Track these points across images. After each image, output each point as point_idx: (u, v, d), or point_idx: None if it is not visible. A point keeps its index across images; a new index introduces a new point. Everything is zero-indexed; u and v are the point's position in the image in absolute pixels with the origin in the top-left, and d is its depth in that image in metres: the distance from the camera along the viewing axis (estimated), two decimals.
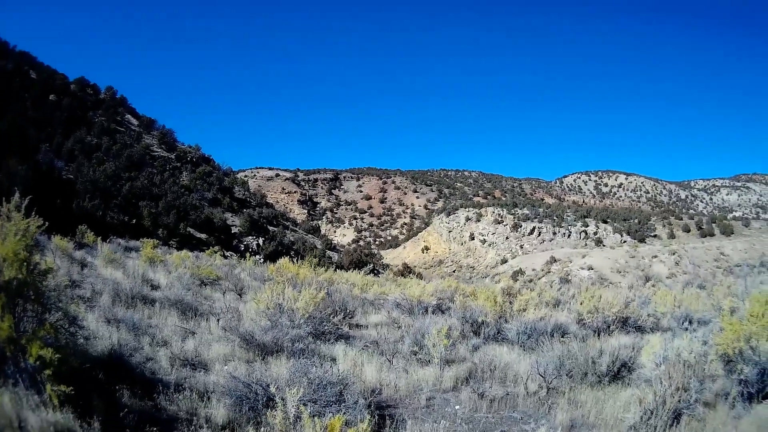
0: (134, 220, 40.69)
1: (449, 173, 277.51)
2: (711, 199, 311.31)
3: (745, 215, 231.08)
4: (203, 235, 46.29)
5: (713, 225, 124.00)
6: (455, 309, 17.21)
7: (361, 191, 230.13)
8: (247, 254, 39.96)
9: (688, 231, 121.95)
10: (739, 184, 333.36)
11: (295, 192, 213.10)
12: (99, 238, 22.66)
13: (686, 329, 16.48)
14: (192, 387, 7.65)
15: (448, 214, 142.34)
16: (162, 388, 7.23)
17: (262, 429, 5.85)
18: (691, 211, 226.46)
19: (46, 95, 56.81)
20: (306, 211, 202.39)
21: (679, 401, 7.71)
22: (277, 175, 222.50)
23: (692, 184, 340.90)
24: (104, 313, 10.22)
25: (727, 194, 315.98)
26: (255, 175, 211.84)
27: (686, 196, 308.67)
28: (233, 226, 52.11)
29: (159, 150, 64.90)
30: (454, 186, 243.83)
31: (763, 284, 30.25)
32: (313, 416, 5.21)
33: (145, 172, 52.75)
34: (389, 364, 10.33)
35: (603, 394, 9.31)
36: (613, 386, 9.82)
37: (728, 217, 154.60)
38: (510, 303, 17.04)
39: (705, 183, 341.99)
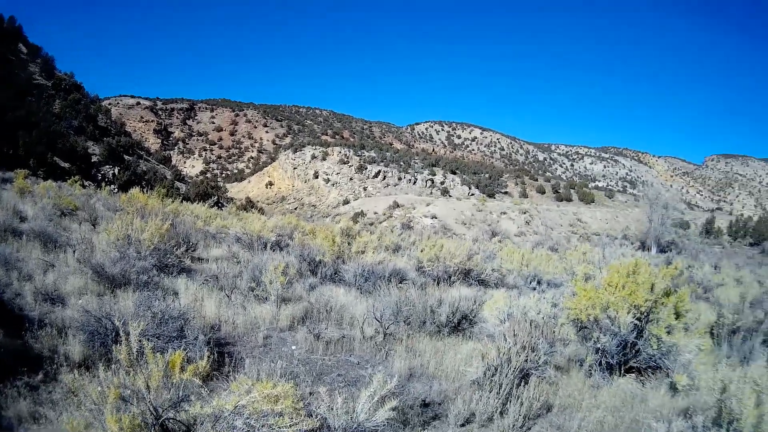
0: (11, 151, 39.41)
1: (300, 110, 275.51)
2: (572, 165, 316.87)
3: (610, 186, 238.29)
4: (67, 164, 44.98)
5: (571, 190, 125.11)
6: (294, 246, 17.32)
7: (214, 123, 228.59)
8: (103, 184, 38.97)
9: (543, 193, 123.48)
10: (606, 155, 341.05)
11: (152, 121, 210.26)
12: None
13: (534, 289, 16.83)
14: (52, 323, 7.55)
15: (295, 151, 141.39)
16: (28, 325, 7.20)
17: (113, 366, 5.71)
18: (548, 173, 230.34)
19: None
20: (160, 141, 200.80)
21: (526, 361, 7.76)
22: (138, 103, 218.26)
23: (553, 147, 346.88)
24: None
25: (591, 163, 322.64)
26: (118, 103, 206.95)
27: (545, 159, 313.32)
28: (93, 155, 50.71)
29: (40, 78, 62.22)
30: (304, 123, 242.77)
31: (624, 256, 30.95)
32: (156, 352, 5.08)
33: (27, 101, 50.91)
34: (228, 299, 10.29)
35: (443, 345, 9.37)
36: (453, 338, 9.92)
37: (589, 186, 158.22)
38: (349, 244, 16.99)
39: (567, 149, 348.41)
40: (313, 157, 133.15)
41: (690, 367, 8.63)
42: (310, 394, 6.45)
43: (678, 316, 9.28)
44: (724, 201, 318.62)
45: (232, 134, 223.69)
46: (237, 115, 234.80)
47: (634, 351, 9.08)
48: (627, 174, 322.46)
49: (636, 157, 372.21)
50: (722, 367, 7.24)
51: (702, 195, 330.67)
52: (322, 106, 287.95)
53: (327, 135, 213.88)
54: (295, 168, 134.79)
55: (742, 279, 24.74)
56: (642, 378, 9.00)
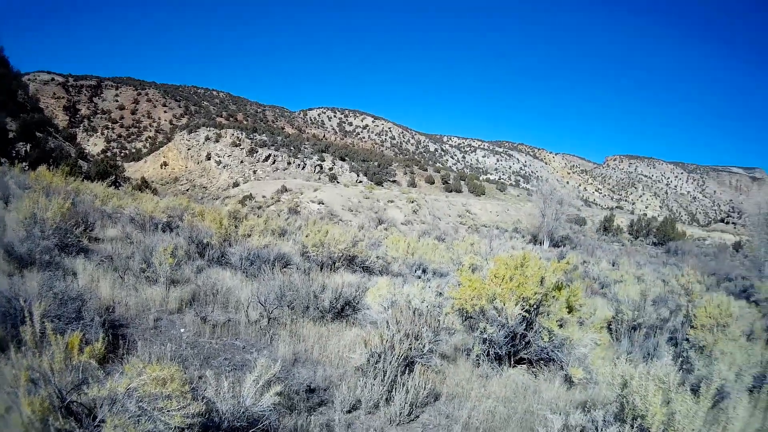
0: None
1: (199, 91, 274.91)
2: (464, 157, 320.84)
3: (503, 180, 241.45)
4: None
5: (462, 182, 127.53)
6: (184, 228, 17.00)
7: (117, 101, 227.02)
8: (16, 161, 38.25)
9: (432, 183, 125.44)
10: (500, 149, 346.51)
11: (63, 98, 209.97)
12: None
13: (419, 277, 16.90)
14: None
15: (190, 132, 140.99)
16: None
17: (23, 348, 5.57)
18: (438, 164, 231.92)
19: None
20: (68, 118, 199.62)
21: (410, 349, 7.73)
22: (53, 79, 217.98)
23: (445, 139, 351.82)
24: None
25: (484, 156, 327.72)
26: (35, 79, 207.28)
27: (436, 150, 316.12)
28: (10, 131, 49.66)
29: None
30: (201, 104, 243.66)
31: (514, 249, 31.06)
32: (57, 333, 4.96)
33: None
34: (122, 281, 10.01)
35: (327, 330, 9.37)
36: (337, 324, 9.90)
37: (480, 178, 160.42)
38: (236, 227, 16.99)
39: (460, 141, 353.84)
40: (207, 138, 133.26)
41: (586, 361, 8.74)
42: (199, 378, 6.36)
43: (571, 310, 9.44)
44: (626, 200, 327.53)
45: (133, 113, 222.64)
46: (139, 94, 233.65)
47: (524, 342, 9.18)
48: (521, 169, 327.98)
49: (531, 153, 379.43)
50: (622, 362, 7.17)
51: (601, 193, 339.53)
52: (219, 88, 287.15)
53: (222, 117, 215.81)
54: (189, 149, 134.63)
55: (643, 277, 25.23)
56: (534, 370, 9.10)
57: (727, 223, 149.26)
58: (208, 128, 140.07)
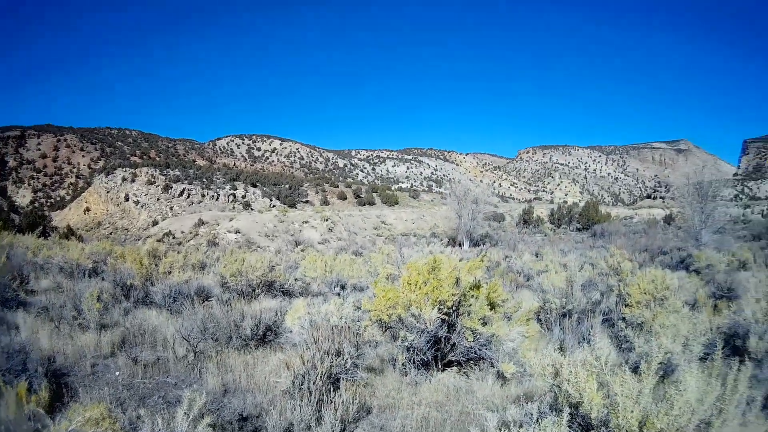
0: None
1: (113, 131, 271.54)
2: (374, 169, 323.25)
3: (415, 187, 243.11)
4: None
5: (374, 194, 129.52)
6: (108, 272, 16.97)
7: (40, 149, 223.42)
8: None
9: (345, 198, 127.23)
10: (409, 157, 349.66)
11: None
12: None
13: (339, 295, 16.74)
14: None
15: (107, 174, 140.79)
16: None
17: None
18: (349, 179, 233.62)
19: None
20: None
21: (332, 366, 7.71)
22: None
23: (353, 153, 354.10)
24: None
25: (394, 166, 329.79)
26: None
27: (345, 165, 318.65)
28: None
29: None
30: (116, 145, 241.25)
31: (432, 254, 31.16)
32: (6, 385, 5.02)
33: None
34: (58, 330, 10.05)
35: (252, 358, 9.39)
36: (262, 350, 9.91)
37: (392, 188, 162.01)
38: (156, 266, 16.69)
39: (368, 153, 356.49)
40: (124, 179, 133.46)
41: (517, 355, 8.70)
42: (138, 417, 6.40)
43: (493, 306, 9.45)
44: (543, 191, 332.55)
45: (54, 160, 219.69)
46: (59, 141, 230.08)
47: (449, 345, 9.15)
48: (432, 173, 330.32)
49: (442, 156, 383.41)
50: (550, 351, 6.88)
51: (517, 187, 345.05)
52: (131, 126, 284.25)
53: (136, 156, 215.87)
54: (108, 192, 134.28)
55: (568, 263, 25.39)
56: (465, 371, 9.08)
57: (655, 198, 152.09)
58: (124, 169, 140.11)
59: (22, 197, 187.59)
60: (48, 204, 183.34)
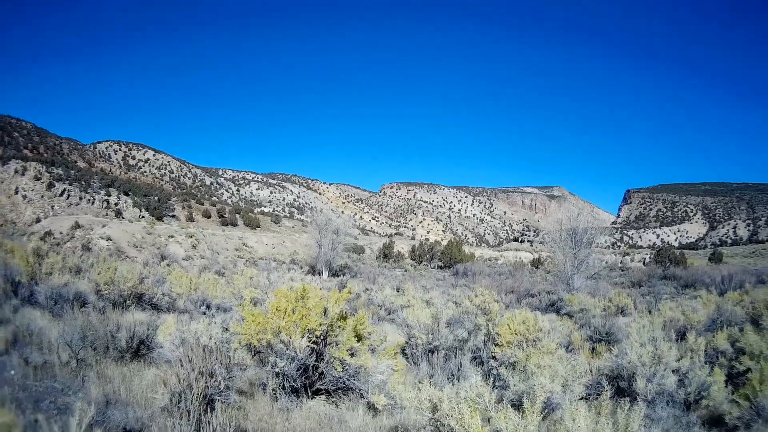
0: None
1: (12, 121, 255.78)
2: (238, 190, 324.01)
3: (277, 212, 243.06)
4: None
5: (237, 215, 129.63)
6: None
7: None
8: None
9: (209, 217, 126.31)
10: (274, 181, 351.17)
11: None
12: None
13: (204, 313, 17.02)
14: None
15: (3, 164, 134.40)
16: None
17: None
18: (214, 198, 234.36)
19: None
20: None
21: (207, 386, 7.71)
22: None
23: (220, 172, 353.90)
24: None
25: (258, 189, 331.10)
26: None
27: (212, 183, 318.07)
28: None
29: None
30: (12, 135, 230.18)
31: (293, 281, 31.05)
32: None
33: None
34: None
35: (128, 370, 9.31)
36: (136, 363, 9.91)
37: (255, 211, 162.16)
38: (39, 265, 16.42)
39: (234, 173, 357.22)
40: (16, 171, 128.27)
41: (386, 387, 8.89)
42: (35, 421, 6.36)
43: (360, 338, 9.56)
44: (405, 227, 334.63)
45: None
46: None
47: (317, 374, 9.23)
48: (295, 200, 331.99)
49: (305, 184, 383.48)
50: (426, 386, 7.20)
51: (378, 221, 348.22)
52: (26, 119, 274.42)
53: (28, 149, 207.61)
54: (2, 182, 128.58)
55: (432, 300, 25.63)
56: (334, 399, 9.16)
57: (522, 241, 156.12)
58: (17, 161, 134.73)
59: None
60: None
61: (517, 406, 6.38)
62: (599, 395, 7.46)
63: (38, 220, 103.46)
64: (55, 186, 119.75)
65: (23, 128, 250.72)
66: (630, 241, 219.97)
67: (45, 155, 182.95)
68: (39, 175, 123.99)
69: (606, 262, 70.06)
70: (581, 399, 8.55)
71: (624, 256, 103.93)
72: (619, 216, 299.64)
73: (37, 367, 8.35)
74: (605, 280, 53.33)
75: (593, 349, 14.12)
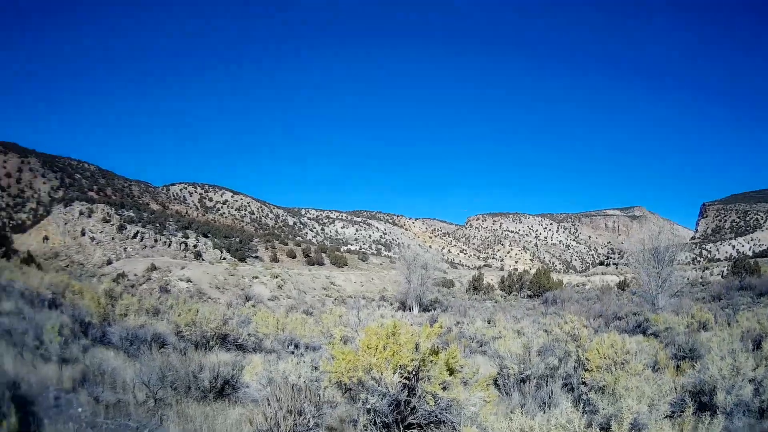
0: None
1: (72, 162, 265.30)
2: (323, 229, 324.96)
3: (364, 250, 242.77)
4: None
5: (323, 254, 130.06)
6: (66, 306, 16.84)
7: (5, 168, 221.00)
8: None
9: (294, 257, 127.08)
10: (359, 219, 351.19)
11: None
12: None
13: (292, 353, 16.93)
14: None
15: (66, 206, 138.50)
16: None
17: None
18: (298, 238, 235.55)
19: None
20: None
21: (295, 424, 7.71)
22: None
23: (303, 212, 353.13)
24: None
25: (343, 227, 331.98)
26: None
27: (295, 223, 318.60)
28: None
29: None
30: (74, 177, 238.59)
31: (384, 318, 30.99)
32: None
33: None
34: (21, 357, 9.75)
35: (211, 410, 9.25)
36: (220, 403, 9.85)
37: (342, 249, 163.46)
38: (112, 306, 16.84)
39: (317, 213, 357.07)
40: (81, 213, 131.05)
41: (478, 419, 8.65)
42: None
43: (452, 372, 9.41)
44: (493, 258, 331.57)
45: (18, 182, 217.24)
46: (23, 163, 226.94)
47: (409, 408, 9.06)
48: (381, 237, 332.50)
49: (390, 220, 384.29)
50: (517, 415, 7.09)
51: (466, 254, 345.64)
52: (90, 161, 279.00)
53: (93, 191, 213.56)
54: (66, 223, 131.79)
55: (523, 329, 25.40)
56: None
57: (608, 265, 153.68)
58: (82, 203, 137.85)
59: None
60: (10, 225, 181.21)
61: (606, 428, 6.49)
62: (683, 412, 7.68)
63: (109, 262, 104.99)
64: (127, 228, 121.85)
65: (86, 170, 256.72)
66: (708, 255, 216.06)
67: (113, 197, 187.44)
68: (108, 217, 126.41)
69: (687, 279, 68.63)
70: (666, 417, 8.44)
71: (703, 270, 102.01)
72: (696, 231, 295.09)
73: (108, 406, 8.33)
74: (687, 296, 52.16)
75: (677, 366, 13.93)
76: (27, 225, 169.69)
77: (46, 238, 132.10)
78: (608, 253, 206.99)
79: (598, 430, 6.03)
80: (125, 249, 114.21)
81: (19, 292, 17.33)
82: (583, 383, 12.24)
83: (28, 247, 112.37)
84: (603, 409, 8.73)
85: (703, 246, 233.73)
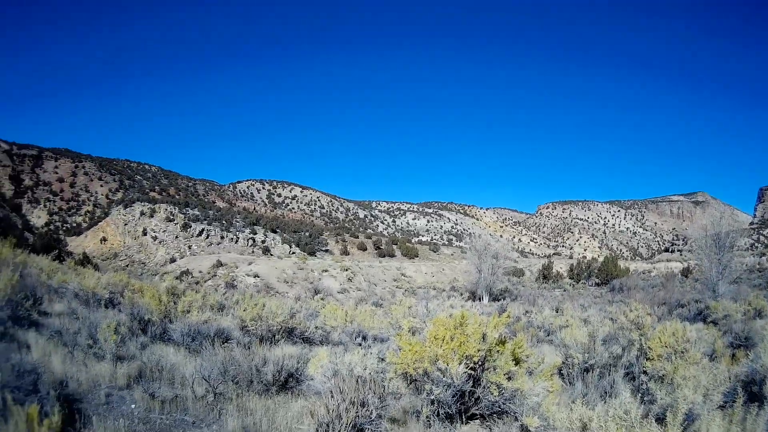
0: None
1: (132, 164, 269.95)
2: (394, 221, 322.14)
3: (435, 241, 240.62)
4: None
5: (394, 246, 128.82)
6: (125, 304, 17.27)
7: (57, 173, 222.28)
8: None
9: (365, 249, 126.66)
10: (429, 210, 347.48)
11: (8, 166, 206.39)
12: None
13: (360, 345, 16.93)
14: None
15: (125, 207, 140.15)
16: None
17: None
18: (369, 230, 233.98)
19: None
20: (14, 188, 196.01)
21: (357, 416, 7.67)
22: None
23: (374, 204, 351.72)
24: None
25: (414, 219, 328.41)
26: None
27: (365, 216, 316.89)
28: None
29: None
30: (134, 178, 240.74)
31: (453, 308, 30.75)
32: (17, 404, 5.10)
33: None
34: (71, 356, 9.98)
35: (273, 403, 9.23)
36: (282, 396, 9.84)
37: (412, 241, 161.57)
38: (174, 303, 16.71)
39: (389, 205, 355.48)
40: (142, 213, 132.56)
41: (540, 409, 8.52)
42: None
43: (518, 361, 9.35)
44: (563, 246, 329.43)
45: (71, 186, 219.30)
46: (77, 167, 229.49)
47: (473, 399, 9.06)
48: (452, 227, 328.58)
49: (462, 211, 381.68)
50: (578, 405, 7.20)
51: (536, 242, 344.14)
52: (150, 162, 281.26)
53: (155, 191, 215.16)
54: (126, 224, 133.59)
55: (589, 318, 25.25)
56: (488, 424, 8.98)
57: (672, 251, 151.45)
58: (143, 203, 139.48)
59: (37, 218, 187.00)
60: (64, 228, 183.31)
61: (661, 419, 6.28)
62: (735, 402, 7.20)
63: (173, 260, 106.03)
64: (191, 226, 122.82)
65: (147, 171, 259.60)
66: (766, 241, 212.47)
67: (177, 197, 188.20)
68: (171, 216, 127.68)
69: (745, 265, 67.45)
70: (718, 407, 8.28)
71: (761, 256, 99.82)
72: (755, 216, 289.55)
73: (165, 401, 8.38)
74: (745, 283, 52.03)
75: (733, 355, 13.77)
76: (83, 228, 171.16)
77: (104, 239, 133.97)
78: (673, 239, 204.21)
79: (653, 420, 6.03)
80: (190, 247, 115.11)
81: (72, 293, 17.75)
82: (644, 372, 12.05)
83: (84, 248, 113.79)
84: (660, 399, 8.68)
85: (761, 231, 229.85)
